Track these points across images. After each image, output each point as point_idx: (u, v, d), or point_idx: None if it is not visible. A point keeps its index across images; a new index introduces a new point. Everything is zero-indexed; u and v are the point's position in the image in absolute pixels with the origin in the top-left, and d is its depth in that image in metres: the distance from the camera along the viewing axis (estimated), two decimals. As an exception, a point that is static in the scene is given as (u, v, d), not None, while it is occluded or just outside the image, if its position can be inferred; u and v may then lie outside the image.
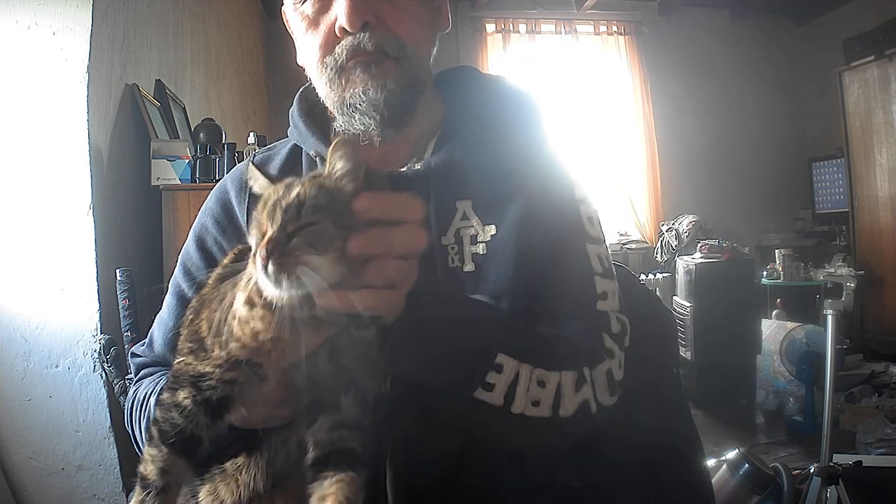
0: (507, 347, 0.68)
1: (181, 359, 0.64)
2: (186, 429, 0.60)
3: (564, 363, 0.71)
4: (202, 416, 0.60)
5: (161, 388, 0.69)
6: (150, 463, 0.60)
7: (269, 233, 0.56)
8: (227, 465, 0.67)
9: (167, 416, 0.61)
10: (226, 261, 0.71)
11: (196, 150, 2.28)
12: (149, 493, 0.59)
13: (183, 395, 0.61)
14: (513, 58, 5.51)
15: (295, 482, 0.64)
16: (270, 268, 0.55)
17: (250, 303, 0.59)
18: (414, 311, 0.63)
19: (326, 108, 0.87)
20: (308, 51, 0.81)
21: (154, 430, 0.61)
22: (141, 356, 0.91)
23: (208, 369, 0.61)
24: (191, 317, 0.67)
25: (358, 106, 0.78)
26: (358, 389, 0.63)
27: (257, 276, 0.57)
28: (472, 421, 0.70)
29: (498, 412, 0.67)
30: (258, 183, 0.64)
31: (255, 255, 0.57)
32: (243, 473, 0.66)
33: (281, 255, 0.55)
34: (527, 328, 0.74)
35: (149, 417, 0.77)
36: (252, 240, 0.59)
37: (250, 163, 0.68)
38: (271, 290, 0.56)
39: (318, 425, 0.62)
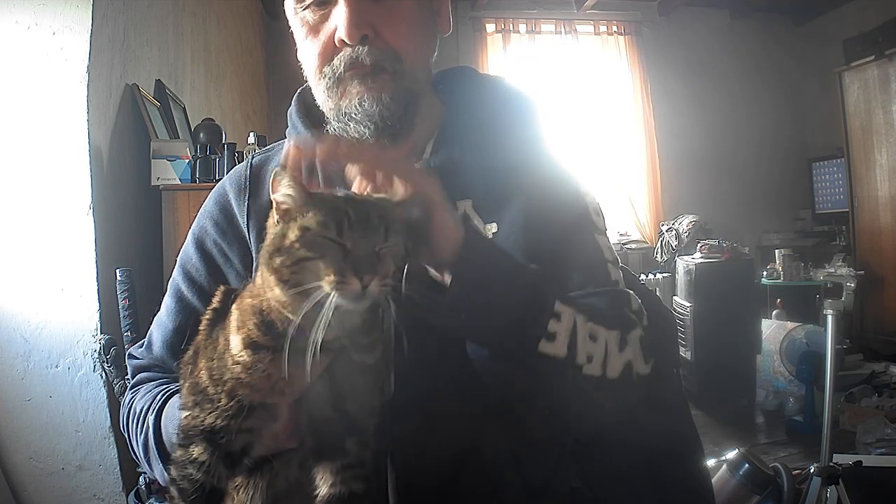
0: (562, 297, 0.69)
1: (186, 413, 0.63)
2: (206, 483, 0.59)
3: (608, 322, 0.71)
4: (221, 467, 0.59)
5: (172, 444, 0.68)
6: None
7: (359, 250, 0.55)
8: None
9: (183, 472, 0.60)
10: (214, 302, 0.68)
11: (196, 150, 2.28)
12: None
13: (198, 451, 0.59)
14: (513, 58, 5.51)
15: (297, 500, 0.64)
16: (372, 288, 0.54)
17: (254, 346, 0.58)
18: (473, 260, 0.64)
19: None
20: (307, 57, 0.82)
21: (173, 490, 0.60)
22: (138, 358, 0.90)
23: (220, 422, 0.59)
24: (189, 368, 0.66)
25: (353, 115, 0.79)
26: (362, 430, 0.63)
27: (337, 292, 0.54)
28: (536, 380, 0.70)
29: (562, 366, 0.67)
30: (290, 189, 0.58)
31: (339, 271, 0.54)
32: (241, 493, 0.65)
33: (383, 276, 0.55)
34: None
35: (147, 441, 0.76)
36: (322, 258, 0.55)
37: (277, 169, 0.66)
38: (352, 307, 0.55)
39: (325, 466, 0.63)
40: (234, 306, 0.62)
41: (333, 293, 0.54)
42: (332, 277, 0.54)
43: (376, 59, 0.77)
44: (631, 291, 0.78)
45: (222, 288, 0.69)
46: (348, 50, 0.77)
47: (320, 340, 0.54)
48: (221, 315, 0.64)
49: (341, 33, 0.76)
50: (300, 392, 0.61)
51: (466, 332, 0.68)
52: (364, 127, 0.79)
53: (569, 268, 0.78)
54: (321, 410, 0.62)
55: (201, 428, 0.60)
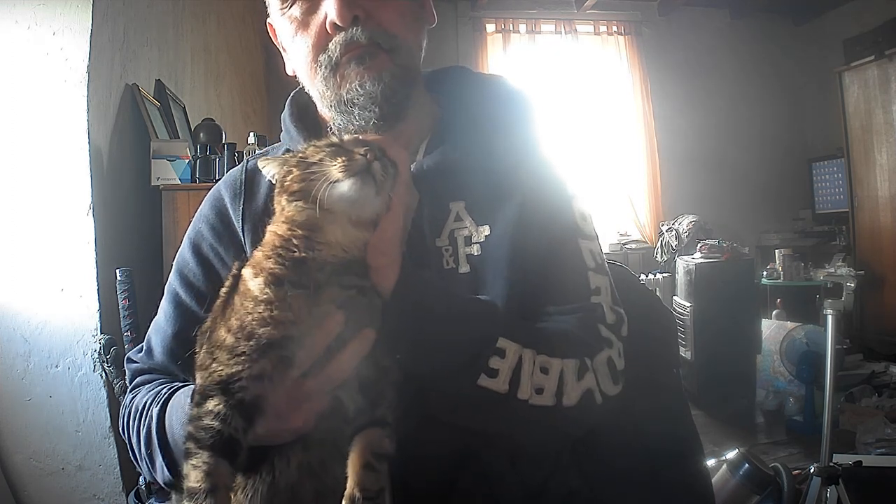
0: (508, 332, 0.69)
1: (201, 373, 0.63)
2: (224, 431, 0.59)
3: (565, 351, 0.71)
4: (237, 418, 0.59)
5: (186, 401, 0.68)
6: (192, 471, 0.58)
7: (364, 141, 0.66)
8: None
9: (199, 424, 0.60)
10: (226, 285, 0.68)
11: (196, 150, 2.28)
12: (197, 498, 0.57)
13: (213, 403, 0.60)
14: (513, 58, 5.51)
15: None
16: (375, 166, 0.63)
17: (277, 281, 0.61)
18: (409, 299, 0.64)
19: (318, 110, 0.87)
20: (299, 53, 0.81)
21: (190, 444, 0.60)
22: (138, 363, 0.89)
23: (236, 368, 0.60)
24: (207, 335, 0.66)
25: (356, 101, 0.78)
26: (390, 375, 0.66)
27: (347, 168, 0.62)
28: (476, 413, 0.70)
29: (503, 400, 0.67)
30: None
31: (346, 155, 0.63)
32: (238, 494, 0.64)
33: (382, 165, 0.64)
34: (525, 322, 0.74)
35: (150, 433, 0.76)
36: (329, 155, 0.64)
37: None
38: (358, 188, 0.62)
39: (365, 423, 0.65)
40: (244, 268, 0.65)
41: (345, 178, 0.62)
42: (341, 160, 0.63)
43: (371, 36, 0.77)
44: (604, 304, 0.77)
45: (235, 266, 0.69)
46: (342, 34, 0.76)
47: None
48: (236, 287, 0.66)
49: (332, 16, 0.75)
50: (317, 329, 0.62)
51: (405, 367, 0.67)
52: (368, 111, 0.78)
53: (548, 277, 0.77)
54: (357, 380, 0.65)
55: (218, 380, 0.61)
